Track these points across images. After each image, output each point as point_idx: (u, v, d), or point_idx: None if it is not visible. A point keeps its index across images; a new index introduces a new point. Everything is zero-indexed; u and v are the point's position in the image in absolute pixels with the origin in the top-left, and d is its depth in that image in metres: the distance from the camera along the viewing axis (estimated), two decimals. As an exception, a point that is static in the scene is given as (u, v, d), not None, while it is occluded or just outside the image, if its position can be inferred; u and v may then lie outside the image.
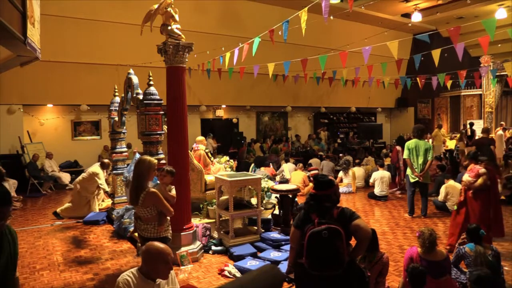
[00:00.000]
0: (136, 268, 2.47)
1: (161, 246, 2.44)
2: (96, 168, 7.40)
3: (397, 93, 18.00)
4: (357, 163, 10.45)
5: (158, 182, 3.93)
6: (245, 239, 5.34)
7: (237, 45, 7.26)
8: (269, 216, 6.31)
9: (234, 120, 14.82)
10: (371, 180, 8.82)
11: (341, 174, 9.80)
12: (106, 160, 7.63)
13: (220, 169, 6.85)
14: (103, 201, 8.08)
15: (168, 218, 3.68)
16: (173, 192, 3.91)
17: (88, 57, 10.51)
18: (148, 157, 3.63)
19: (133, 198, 3.51)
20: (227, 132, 14.37)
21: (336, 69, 10.44)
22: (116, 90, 7.34)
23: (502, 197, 7.93)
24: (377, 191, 8.48)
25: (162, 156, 4.96)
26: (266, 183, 6.91)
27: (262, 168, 9.67)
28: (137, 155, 7.08)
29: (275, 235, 5.46)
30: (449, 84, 10.26)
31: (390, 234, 5.99)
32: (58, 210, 7.29)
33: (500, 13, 10.90)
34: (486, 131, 9.59)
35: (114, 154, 7.22)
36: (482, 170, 4.96)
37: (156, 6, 4.83)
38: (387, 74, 9.33)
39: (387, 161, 10.24)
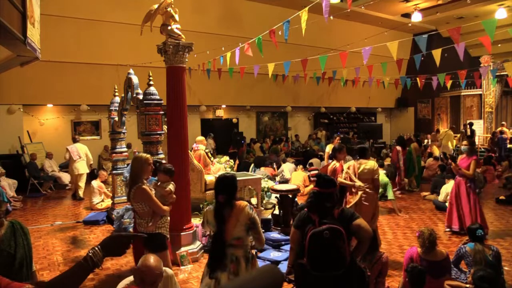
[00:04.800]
0: (131, 278, 2.45)
1: (146, 264, 2.32)
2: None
3: (397, 93, 17.98)
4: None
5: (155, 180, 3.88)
6: (245, 239, 5.33)
7: (237, 45, 7.26)
8: (269, 216, 6.31)
9: (234, 120, 14.82)
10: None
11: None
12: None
13: (220, 169, 6.85)
14: (103, 201, 8.07)
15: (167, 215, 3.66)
16: (170, 187, 3.69)
17: (88, 57, 10.51)
18: (142, 154, 3.70)
19: (128, 193, 3.65)
20: (227, 132, 14.37)
21: (336, 69, 10.43)
22: (116, 90, 7.34)
23: (502, 197, 7.95)
24: (377, 191, 8.45)
25: (162, 156, 4.96)
26: (266, 183, 6.91)
27: (262, 168, 9.67)
28: (137, 155, 7.11)
29: (275, 235, 5.46)
30: (449, 84, 10.25)
31: (390, 234, 5.99)
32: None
33: (500, 13, 10.89)
34: None
35: (114, 154, 7.22)
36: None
37: (156, 6, 4.82)
38: (387, 74, 9.32)
39: (387, 161, 10.22)
